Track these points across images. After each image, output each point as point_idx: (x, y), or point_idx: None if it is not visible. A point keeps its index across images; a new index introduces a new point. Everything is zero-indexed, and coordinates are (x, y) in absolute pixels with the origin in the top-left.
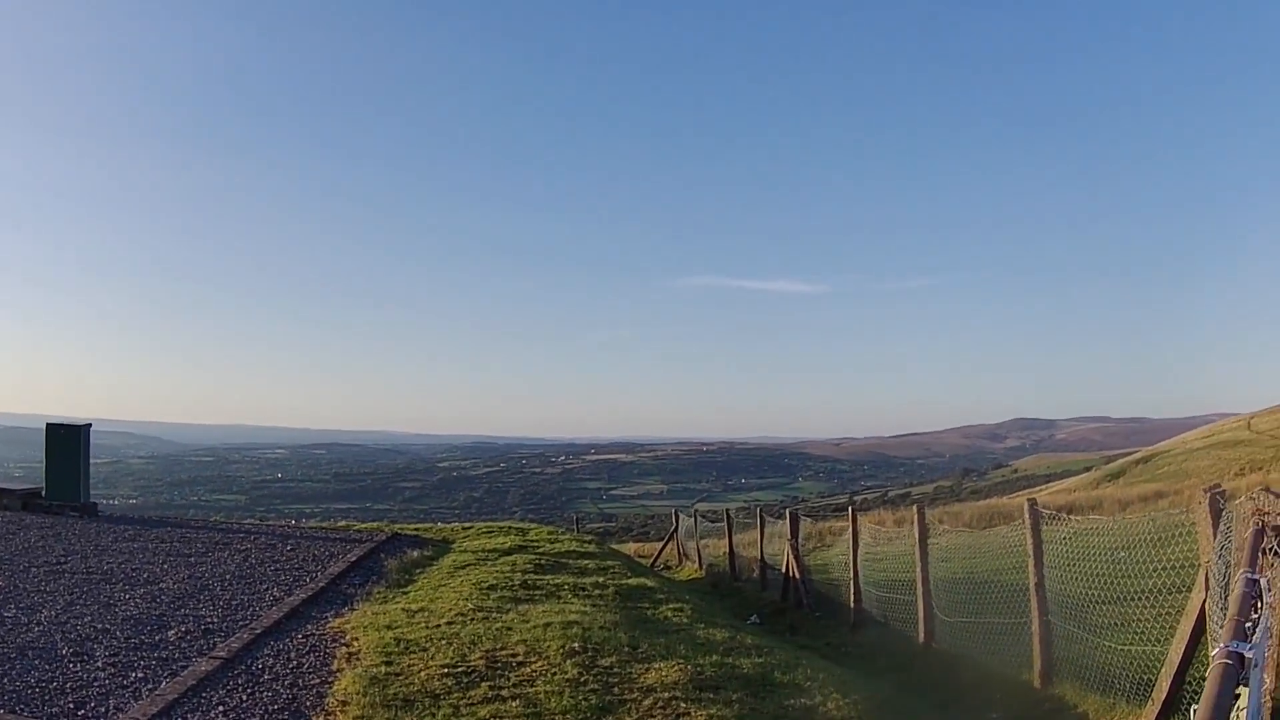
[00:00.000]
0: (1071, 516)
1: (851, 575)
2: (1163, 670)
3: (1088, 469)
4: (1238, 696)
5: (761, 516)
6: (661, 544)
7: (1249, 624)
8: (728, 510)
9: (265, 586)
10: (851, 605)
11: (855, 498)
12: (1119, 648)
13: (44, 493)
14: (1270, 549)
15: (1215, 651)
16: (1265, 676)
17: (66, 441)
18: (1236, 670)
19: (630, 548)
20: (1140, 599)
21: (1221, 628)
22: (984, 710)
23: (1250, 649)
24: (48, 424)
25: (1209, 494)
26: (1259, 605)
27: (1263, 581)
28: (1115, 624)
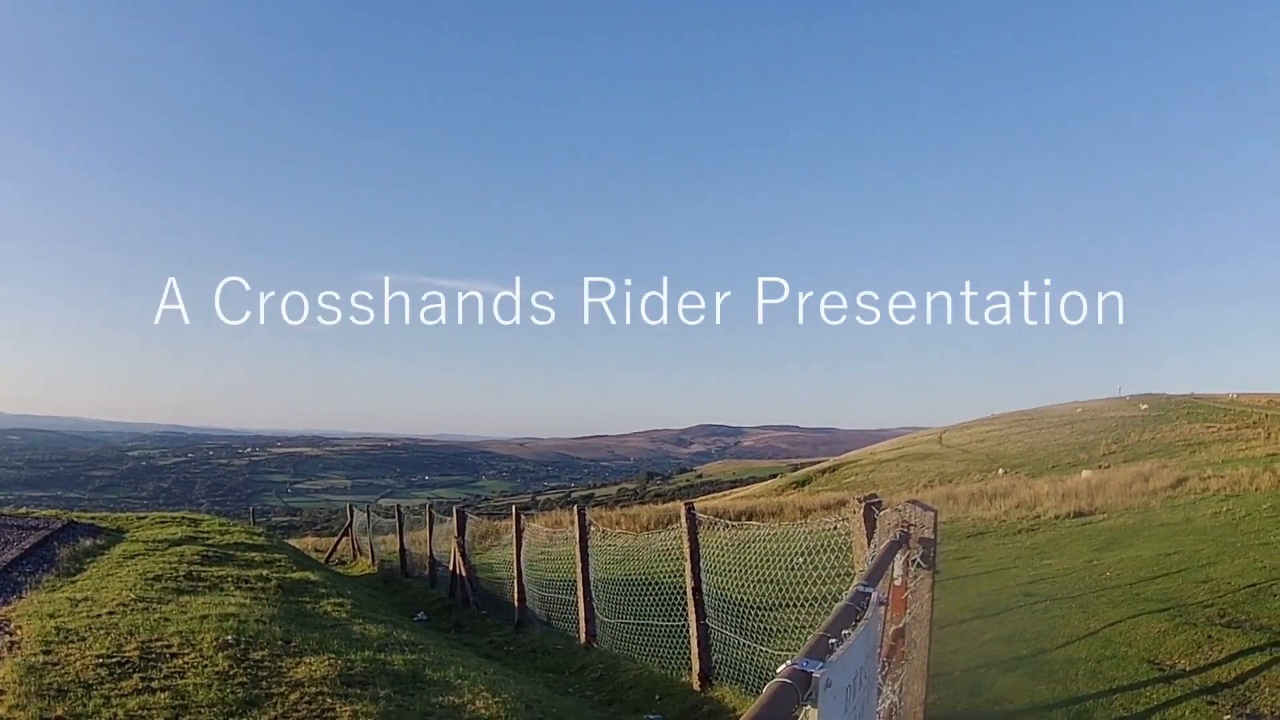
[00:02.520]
0: (744, 522)
1: (515, 574)
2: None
3: (774, 476)
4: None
5: (431, 513)
6: (336, 539)
7: (834, 640)
8: (398, 506)
9: None
10: (516, 604)
11: (538, 497)
12: (776, 653)
13: None
14: (915, 560)
15: (781, 669)
16: (916, 686)
17: None
18: (795, 691)
19: (308, 542)
20: (800, 605)
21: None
22: (642, 710)
23: (821, 668)
24: None
25: (864, 503)
26: (858, 620)
27: (907, 594)
28: (776, 630)
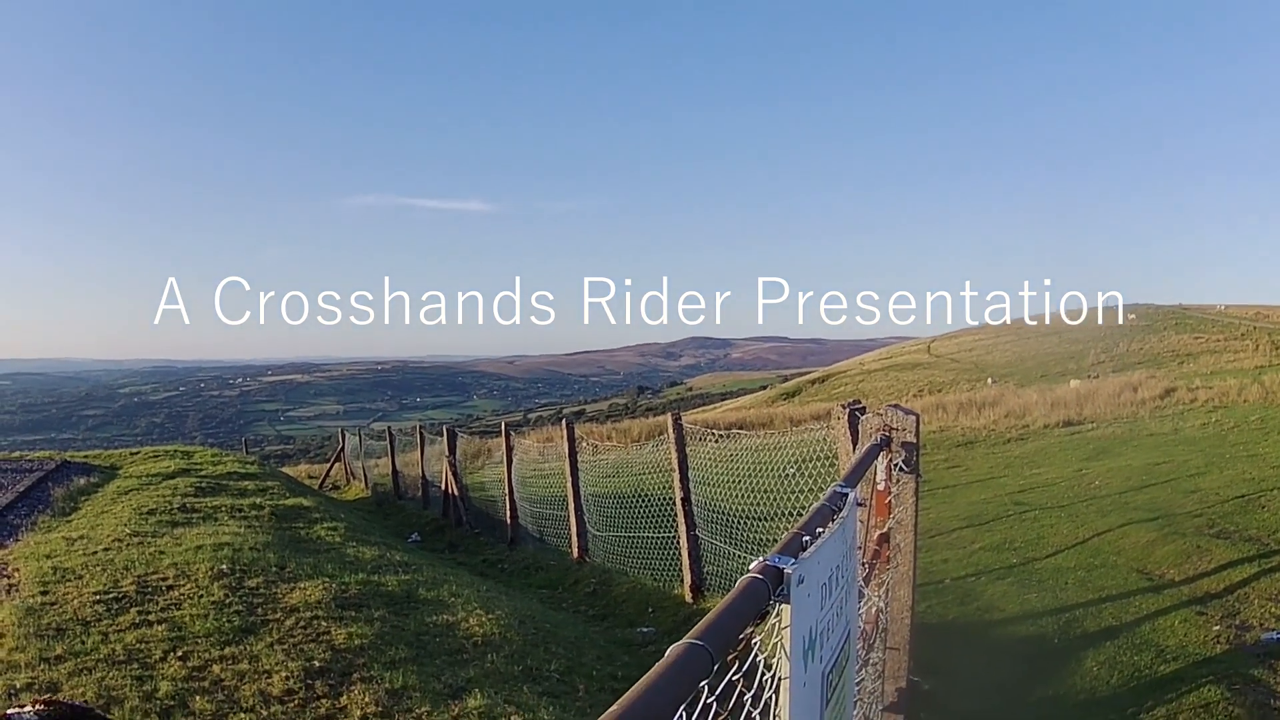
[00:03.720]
0: (733, 433)
1: (507, 492)
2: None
3: (764, 388)
4: (768, 614)
5: (422, 434)
6: (329, 464)
7: (808, 538)
8: (390, 429)
9: None
10: (508, 522)
11: (529, 415)
12: None
13: None
14: (898, 465)
15: (753, 565)
16: (903, 591)
17: None
18: (767, 586)
19: (302, 469)
20: (791, 516)
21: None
22: (636, 623)
23: (793, 564)
24: None
25: (847, 409)
26: (834, 520)
27: (890, 498)
28: (768, 540)
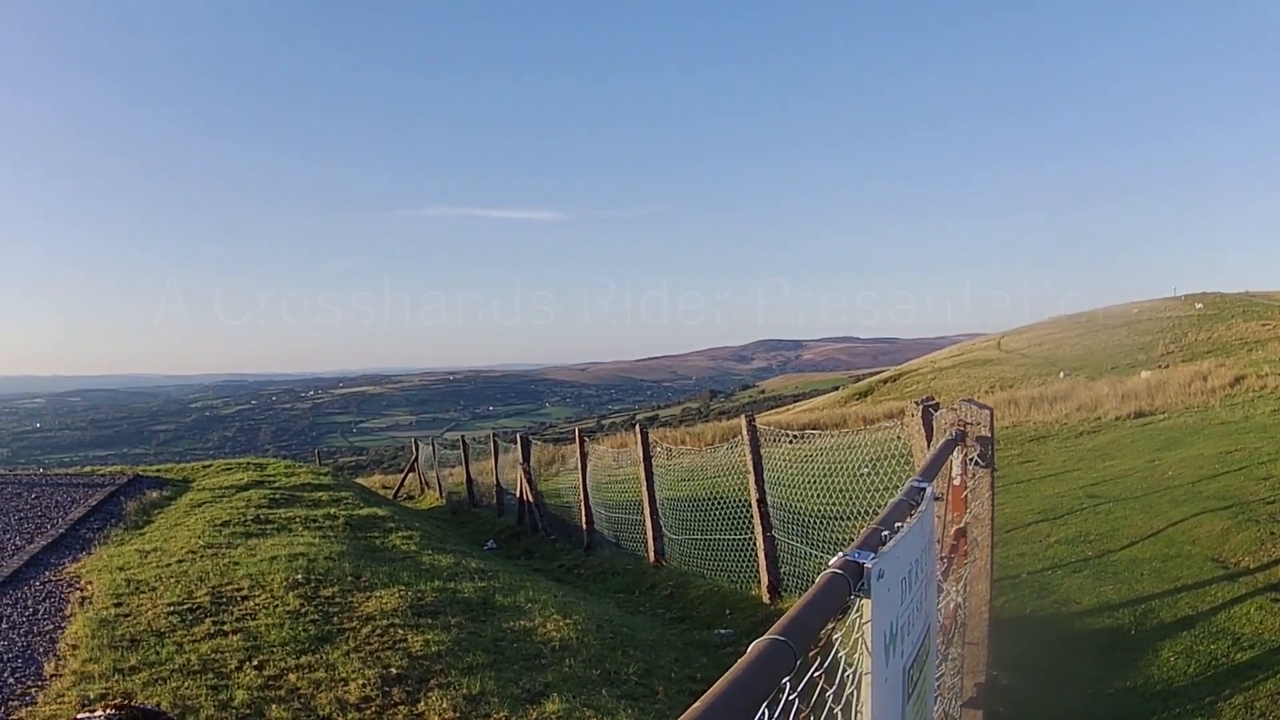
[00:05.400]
0: (806, 433)
1: (582, 498)
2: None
3: (835, 388)
4: (849, 609)
5: (496, 442)
6: (403, 474)
7: (887, 533)
8: (464, 437)
9: (8, 536)
10: (584, 527)
11: (603, 421)
12: None
13: None
14: (973, 459)
15: (833, 560)
16: (981, 586)
17: None
18: (848, 581)
19: (375, 479)
20: (867, 516)
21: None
22: (713, 625)
23: (873, 559)
24: None
25: (920, 406)
26: (912, 515)
27: (967, 493)
28: (843, 540)
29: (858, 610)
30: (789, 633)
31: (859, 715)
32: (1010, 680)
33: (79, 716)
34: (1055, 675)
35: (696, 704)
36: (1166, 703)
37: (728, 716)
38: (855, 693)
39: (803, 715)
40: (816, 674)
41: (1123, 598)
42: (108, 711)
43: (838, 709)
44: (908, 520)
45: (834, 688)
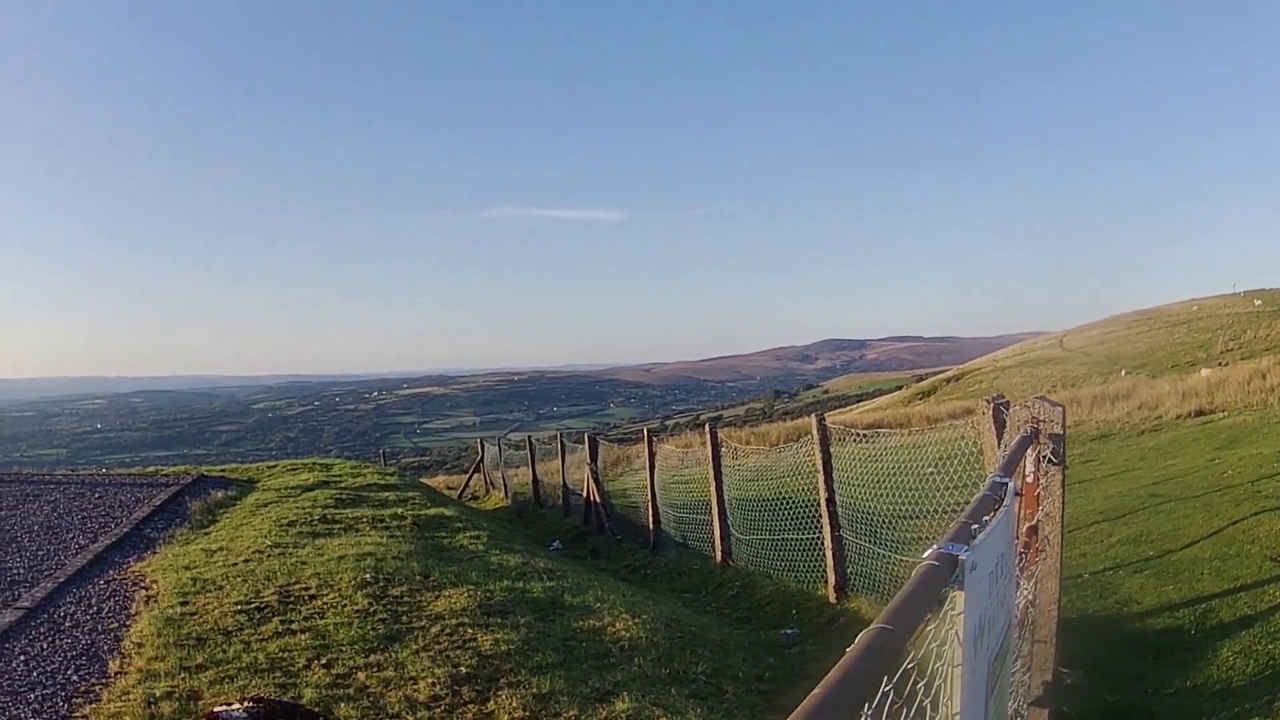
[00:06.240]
0: (874, 432)
1: (649, 498)
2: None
3: (899, 388)
4: (944, 600)
5: (562, 442)
6: (468, 474)
7: (976, 526)
8: (529, 438)
9: (72, 535)
10: (651, 527)
11: (666, 421)
12: (912, 561)
13: None
14: (1045, 457)
15: (927, 553)
16: (1051, 584)
17: None
18: (944, 572)
19: (440, 480)
20: (933, 515)
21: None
22: (780, 624)
23: (966, 551)
24: None
25: (992, 404)
26: (997, 509)
27: (1039, 490)
28: (910, 539)
29: (950, 602)
30: (894, 621)
31: (947, 707)
32: (1074, 679)
33: (217, 709)
34: (1117, 674)
35: (816, 689)
36: (1225, 702)
37: (847, 701)
38: (944, 685)
39: (895, 706)
40: (910, 665)
41: (1183, 597)
42: (245, 704)
43: (927, 701)
44: (995, 514)
45: (925, 679)
